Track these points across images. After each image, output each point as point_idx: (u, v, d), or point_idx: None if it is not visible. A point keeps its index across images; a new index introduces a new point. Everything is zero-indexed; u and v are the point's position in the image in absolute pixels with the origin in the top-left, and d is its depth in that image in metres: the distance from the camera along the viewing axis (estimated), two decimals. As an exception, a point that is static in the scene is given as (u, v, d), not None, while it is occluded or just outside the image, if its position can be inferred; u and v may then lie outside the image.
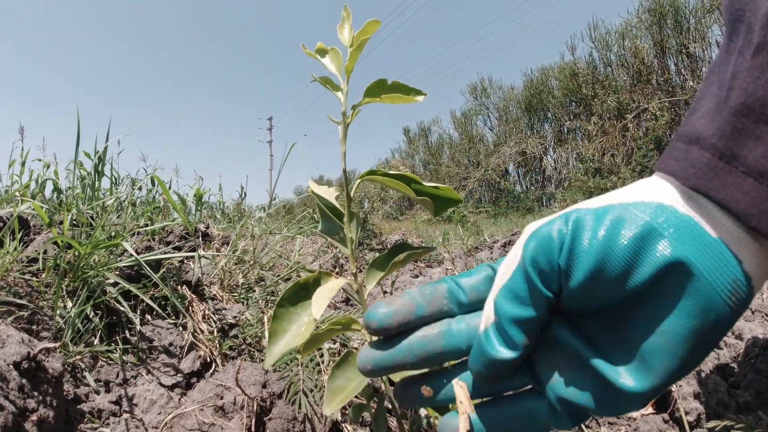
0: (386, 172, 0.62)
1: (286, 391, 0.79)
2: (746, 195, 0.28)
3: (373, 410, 0.58)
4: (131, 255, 1.23)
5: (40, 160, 3.09)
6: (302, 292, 0.53)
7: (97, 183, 1.41)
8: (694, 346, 0.30)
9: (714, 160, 0.30)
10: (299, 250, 1.65)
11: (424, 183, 0.64)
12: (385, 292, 1.35)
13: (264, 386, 0.77)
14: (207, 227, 2.20)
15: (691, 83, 10.50)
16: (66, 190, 2.84)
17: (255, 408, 0.71)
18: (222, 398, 0.73)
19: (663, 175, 0.34)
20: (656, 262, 0.30)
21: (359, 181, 0.64)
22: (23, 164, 2.80)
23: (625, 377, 0.32)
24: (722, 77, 0.32)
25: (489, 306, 0.37)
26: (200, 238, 2.04)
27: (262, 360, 1.07)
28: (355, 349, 0.58)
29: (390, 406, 0.62)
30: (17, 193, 1.47)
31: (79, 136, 1.24)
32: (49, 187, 2.81)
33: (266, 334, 1.00)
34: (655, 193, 0.33)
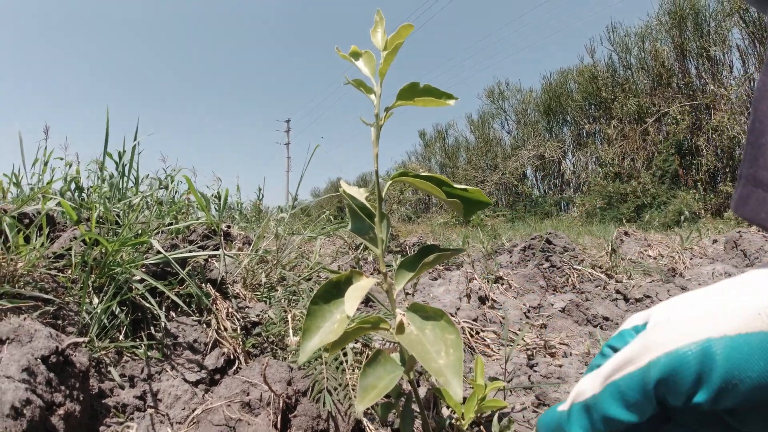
0: (417, 174, 0.62)
1: (310, 389, 0.79)
2: None
3: (400, 409, 0.58)
4: (158, 252, 1.25)
5: (61, 159, 3.16)
6: (335, 290, 0.53)
7: (123, 183, 1.43)
8: None
9: None
10: (319, 251, 1.65)
11: (455, 185, 0.64)
12: (407, 294, 1.35)
13: (289, 383, 0.78)
14: (228, 227, 2.22)
15: (712, 87, 10.31)
16: (88, 189, 2.90)
17: (281, 405, 0.71)
18: (248, 395, 0.74)
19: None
20: None
21: (390, 182, 0.64)
22: (46, 163, 2.87)
23: None
24: None
25: (583, 386, 0.37)
26: (222, 237, 2.06)
27: (285, 358, 1.08)
28: (384, 348, 0.58)
29: (415, 407, 0.62)
30: (44, 191, 1.50)
31: (107, 137, 1.27)
32: (71, 185, 2.88)
33: (290, 332, 1.01)
34: None
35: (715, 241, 3.33)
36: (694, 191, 9.71)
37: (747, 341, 0.31)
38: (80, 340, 0.83)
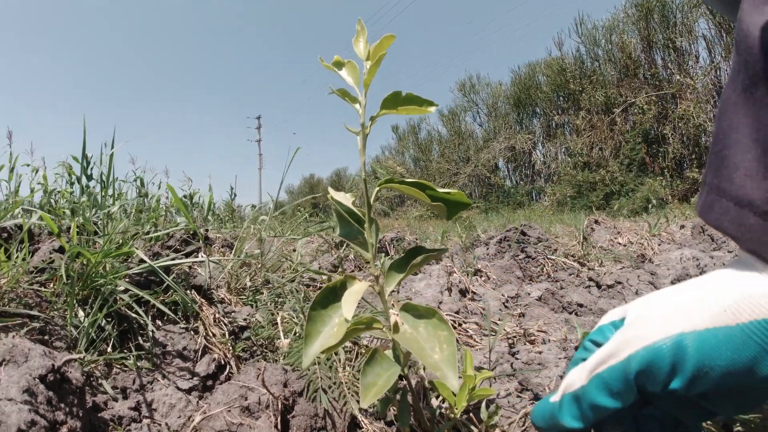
0: (403, 180, 0.65)
1: (306, 389, 0.82)
2: None
3: (397, 403, 0.61)
4: (140, 262, 1.25)
5: (28, 165, 3.08)
6: (331, 296, 0.56)
7: (102, 192, 1.42)
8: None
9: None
10: (301, 251, 1.67)
11: (438, 189, 0.68)
12: (392, 291, 1.38)
13: (285, 385, 0.80)
14: (206, 230, 2.22)
15: (678, 77, 10.64)
16: (55, 193, 2.84)
17: (279, 406, 0.74)
18: (246, 399, 0.76)
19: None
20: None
21: (378, 188, 0.67)
22: (12, 170, 2.79)
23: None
24: (754, 129, 0.35)
25: (571, 378, 0.41)
26: (203, 241, 2.05)
27: (276, 360, 1.10)
28: (378, 347, 0.61)
29: (410, 399, 0.65)
30: (22, 204, 1.48)
31: (84, 145, 1.26)
32: (38, 192, 2.81)
33: (280, 335, 1.03)
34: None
35: (682, 226, 3.46)
36: (661, 178, 10.03)
37: (714, 335, 0.35)
38: (75, 356, 0.84)
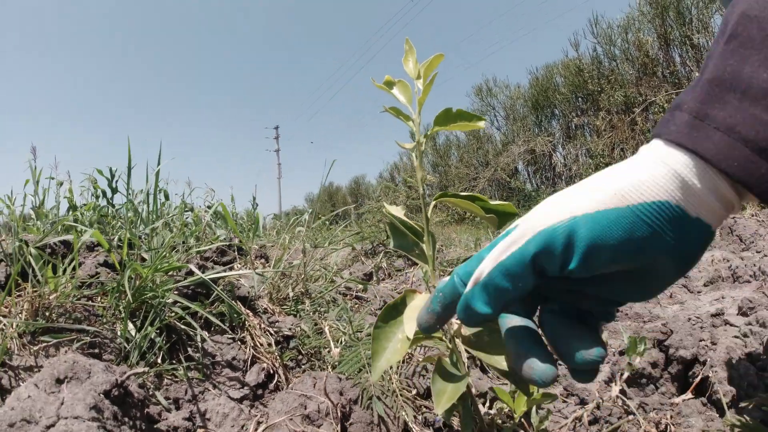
0: (457, 194, 0.67)
1: (360, 397, 0.84)
2: (716, 144, 0.36)
3: (460, 409, 0.63)
4: (187, 274, 1.29)
5: (53, 178, 3.16)
6: (393, 312, 0.58)
7: (150, 206, 1.47)
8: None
9: (691, 119, 0.39)
10: (337, 261, 1.70)
11: (490, 201, 0.70)
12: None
13: (341, 393, 0.83)
14: (240, 241, 2.27)
15: (698, 74, 10.45)
16: (81, 206, 2.93)
17: (339, 414, 0.76)
18: (306, 407, 0.79)
19: (659, 141, 0.41)
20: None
21: (434, 202, 0.69)
22: (37, 182, 2.88)
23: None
24: (705, 61, 0.43)
25: (480, 269, 0.45)
26: (236, 252, 2.10)
27: (323, 368, 1.12)
28: (435, 354, 0.63)
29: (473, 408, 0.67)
30: (67, 221, 1.53)
31: (130, 165, 1.31)
32: (64, 204, 2.89)
33: (330, 344, 1.06)
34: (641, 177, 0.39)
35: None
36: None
37: (605, 215, 0.38)
38: (138, 370, 0.87)
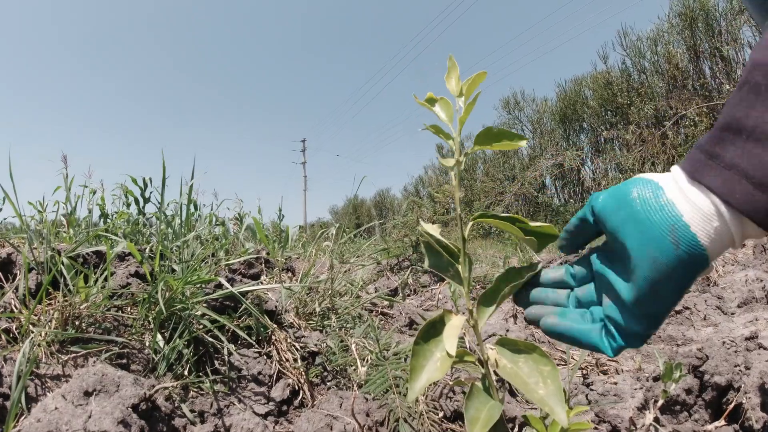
0: (496, 215, 0.65)
1: (386, 419, 0.82)
2: (724, 180, 0.43)
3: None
4: (216, 287, 1.30)
5: (85, 186, 3.22)
6: (432, 330, 0.57)
7: (184, 219, 1.49)
8: (653, 272, 0.46)
9: (704, 158, 0.45)
10: (362, 276, 1.69)
11: (529, 223, 0.67)
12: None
13: (367, 415, 0.81)
14: (268, 254, 2.28)
15: (728, 87, 10.18)
16: (113, 215, 2.99)
17: (366, 438, 0.74)
18: (332, 428, 0.77)
19: (677, 167, 0.49)
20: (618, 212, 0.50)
21: (472, 222, 0.68)
22: (69, 189, 2.94)
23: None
24: (724, 106, 0.47)
25: None
26: (263, 264, 2.11)
27: (347, 387, 1.11)
28: (476, 380, 0.61)
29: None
30: (100, 231, 1.56)
31: (164, 178, 1.33)
32: (96, 212, 2.95)
33: (357, 362, 1.04)
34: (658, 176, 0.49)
35: (743, 245, 3.29)
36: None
37: (616, 188, 0.51)
38: (168, 385, 0.87)
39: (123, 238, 1.43)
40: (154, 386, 0.86)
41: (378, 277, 2.42)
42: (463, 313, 0.62)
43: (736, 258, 3.06)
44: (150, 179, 3.07)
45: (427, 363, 0.54)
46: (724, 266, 2.85)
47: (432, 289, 2.23)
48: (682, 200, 0.45)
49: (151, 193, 3.06)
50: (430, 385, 1.07)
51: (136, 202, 2.99)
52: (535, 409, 1.16)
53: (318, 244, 1.67)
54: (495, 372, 0.61)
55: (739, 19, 10.12)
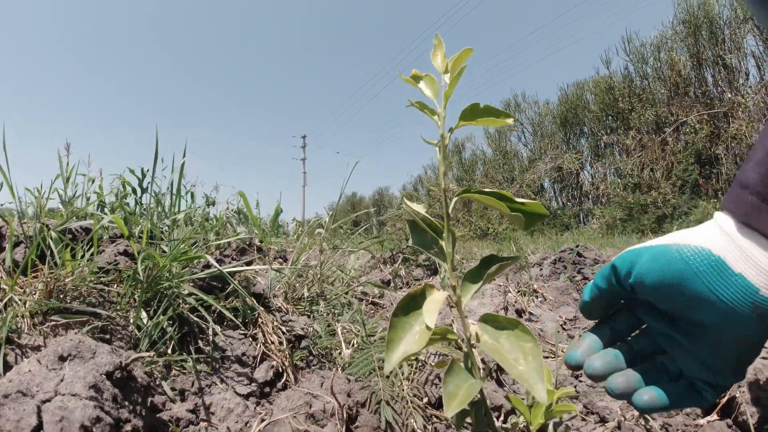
0: (481, 190, 0.64)
1: (368, 400, 0.81)
2: None
3: (474, 415, 0.59)
4: (204, 267, 1.29)
5: (84, 175, 3.20)
6: (412, 303, 0.55)
7: (171, 200, 1.48)
8: (733, 341, 0.43)
9: (757, 202, 0.42)
10: (354, 266, 1.68)
11: (516, 199, 0.66)
12: (450, 306, 1.36)
13: (349, 395, 0.80)
14: (261, 241, 2.26)
15: (729, 95, 10.19)
16: (110, 204, 2.97)
17: (344, 416, 0.73)
18: (311, 406, 0.76)
19: (723, 213, 0.46)
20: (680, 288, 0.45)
21: (456, 198, 0.66)
22: (68, 179, 2.92)
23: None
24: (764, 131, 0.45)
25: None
26: (255, 251, 2.10)
27: (332, 369, 1.10)
28: (454, 357, 0.60)
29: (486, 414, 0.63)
30: (90, 208, 1.55)
31: (156, 154, 1.31)
32: (94, 200, 2.94)
33: (342, 345, 1.03)
34: (701, 236, 0.46)
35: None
36: (715, 200, 9.55)
37: (657, 248, 0.47)
38: (144, 354, 0.86)
39: (111, 212, 1.41)
40: (130, 357, 0.85)
41: (372, 269, 2.41)
42: (447, 290, 0.61)
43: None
44: (148, 170, 3.06)
45: (405, 335, 0.52)
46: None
47: (424, 282, 2.22)
48: (751, 269, 0.40)
49: (148, 183, 3.05)
50: (416, 371, 1.06)
51: (134, 191, 2.98)
52: (524, 398, 1.15)
53: (310, 232, 1.66)
54: (478, 351, 0.60)
55: (743, 28, 10.13)
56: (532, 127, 14.98)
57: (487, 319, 0.58)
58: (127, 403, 0.86)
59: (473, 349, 0.61)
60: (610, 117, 12.63)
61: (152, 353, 0.90)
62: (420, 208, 0.71)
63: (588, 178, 13.14)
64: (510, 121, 0.68)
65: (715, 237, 0.44)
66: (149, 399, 0.99)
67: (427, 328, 0.52)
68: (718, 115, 10.34)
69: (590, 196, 12.98)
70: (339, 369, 1.06)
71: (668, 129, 10.89)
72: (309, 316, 1.33)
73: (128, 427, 0.82)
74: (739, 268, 0.41)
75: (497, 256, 0.67)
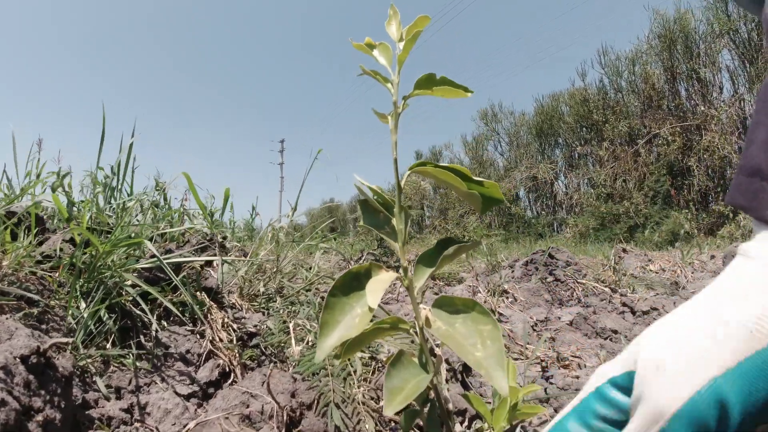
0: (437, 164, 0.58)
1: (316, 401, 0.73)
2: None
3: (425, 417, 0.52)
4: (151, 256, 1.19)
5: (55, 173, 3.06)
6: (354, 282, 0.48)
7: (117, 182, 1.37)
8: None
9: None
10: (318, 264, 1.59)
11: (473, 177, 0.60)
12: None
13: (293, 395, 0.72)
14: (224, 238, 2.16)
15: (702, 108, 10.47)
16: (79, 203, 2.82)
17: (285, 418, 0.65)
18: (248, 407, 0.68)
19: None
20: None
21: (409, 172, 0.60)
22: (38, 176, 2.77)
23: None
24: None
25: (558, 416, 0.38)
26: (218, 247, 1.99)
27: (285, 370, 1.01)
28: (409, 352, 0.52)
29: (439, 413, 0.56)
30: (32, 189, 1.43)
31: (103, 135, 1.22)
32: (62, 199, 2.79)
33: (291, 342, 0.95)
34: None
35: (712, 256, 3.33)
36: (686, 211, 9.76)
37: (751, 366, 0.30)
38: (64, 340, 0.76)
39: (51, 191, 1.30)
40: (46, 342, 0.75)
41: (341, 270, 2.33)
42: (396, 270, 0.54)
43: (705, 267, 3.08)
44: (118, 167, 2.92)
45: (343, 318, 0.45)
46: (693, 273, 2.86)
47: (395, 284, 2.16)
48: None
49: (120, 183, 2.90)
50: (374, 371, 0.98)
51: (104, 188, 2.84)
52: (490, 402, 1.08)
53: (272, 227, 1.57)
54: (439, 347, 0.53)
55: (718, 43, 10.42)
56: (509, 137, 15.15)
57: (441, 303, 0.51)
58: (43, 393, 0.77)
59: (427, 341, 0.54)
60: (584, 128, 12.84)
61: (72, 339, 0.81)
62: (373, 188, 0.64)
63: (562, 188, 13.32)
64: (468, 94, 0.62)
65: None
66: (76, 394, 0.90)
67: (369, 309, 0.44)
68: (691, 127, 10.60)
69: (564, 206, 13.15)
70: (292, 367, 0.98)
71: (641, 141, 11.12)
72: (264, 313, 1.24)
73: (40, 417, 0.73)
74: None
75: (453, 239, 0.60)
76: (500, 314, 1.47)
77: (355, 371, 0.81)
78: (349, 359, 0.84)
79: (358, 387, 0.81)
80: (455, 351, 0.42)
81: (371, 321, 0.50)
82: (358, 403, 0.77)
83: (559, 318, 1.47)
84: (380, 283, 0.47)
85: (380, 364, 1.02)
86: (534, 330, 1.42)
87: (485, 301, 1.49)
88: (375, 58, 0.65)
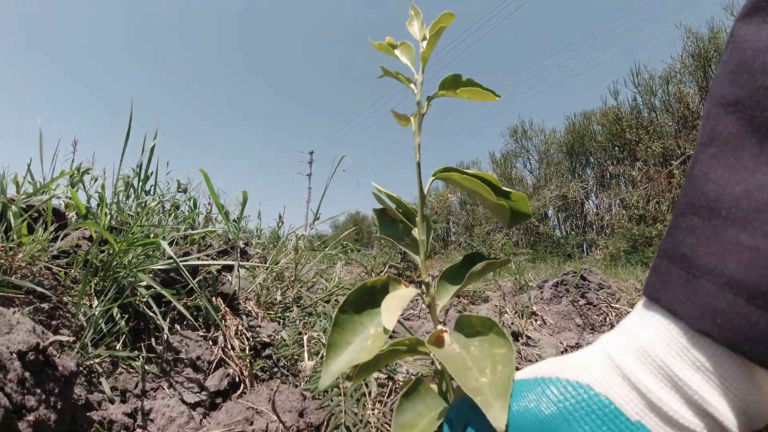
0: (464, 171, 0.53)
1: (325, 423, 0.68)
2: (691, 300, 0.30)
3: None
4: (168, 258, 1.17)
5: (88, 172, 3.12)
6: (368, 298, 0.43)
7: (140, 183, 1.36)
8: None
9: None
10: (339, 274, 1.55)
11: (502, 187, 0.55)
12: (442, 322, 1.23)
13: (301, 415, 0.67)
14: (246, 244, 2.14)
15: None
16: (111, 204, 2.86)
17: (290, 439, 0.60)
18: (252, 423, 0.63)
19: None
20: None
21: (433, 178, 0.55)
22: (62, 172, 2.82)
23: None
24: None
25: None
26: (238, 253, 1.97)
27: (297, 385, 0.96)
28: (425, 377, 0.47)
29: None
30: (52, 184, 1.43)
31: (129, 129, 1.21)
32: (94, 202, 2.83)
33: (304, 356, 0.90)
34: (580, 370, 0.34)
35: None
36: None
37: (520, 384, 0.35)
38: (65, 338, 0.73)
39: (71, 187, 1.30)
40: (48, 338, 0.73)
41: (361, 281, 2.28)
42: (417, 286, 0.49)
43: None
44: (152, 173, 2.96)
45: (353, 339, 0.40)
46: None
47: (417, 299, 2.09)
48: (650, 417, 0.29)
49: (151, 186, 2.94)
50: (390, 392, 0.92)
51: (126, 189, 2.88)
52: None
53: (294, 235, 1.54)
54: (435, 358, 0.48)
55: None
56: (538, 155, 14.91)
57: (461, 325, 0.45)
58: (38, 391, 0.74)
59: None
60: (616, 148, 12.55)
61: (71, 337, 0.78)
62: (393, 196, 0.59)
63: (593, 208, 13.00)
64: (496, 98, 0.58)
65: (596, 361, 0.35)
66: (78, 394, 0.87)
67: (384, 331, 0.39)
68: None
69: (594, 227, 12.82)
70: (304, 383, 0.93)
71: (675, 162, 10.79)
72: (279, 323, 1.20)
73: (32, 416, 0.70)
74: (635, 411, 0.30)
75: (481, 254, 0.55)
76: (528, 338, 1.39)
77: (369, 392, 0.75)
78: (364, 379, 0.79)
79: (372, 409, 0.75)
80: (453, 375, 0.36)
81: (385, 342, 0.44)
82: (372, 427, 0.72)
83: (591, 344, 1.39)
84: (398, 300, 0.42)
85: (397, 385, 0.96)
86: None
87: (512, 323, 1.42)
88: (397, 58, 0.61)
